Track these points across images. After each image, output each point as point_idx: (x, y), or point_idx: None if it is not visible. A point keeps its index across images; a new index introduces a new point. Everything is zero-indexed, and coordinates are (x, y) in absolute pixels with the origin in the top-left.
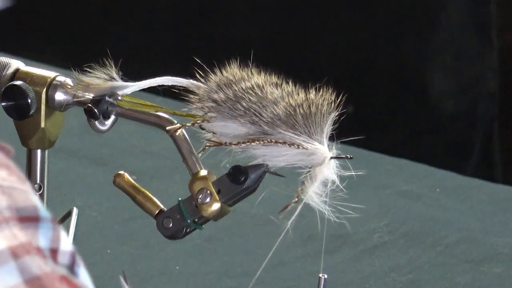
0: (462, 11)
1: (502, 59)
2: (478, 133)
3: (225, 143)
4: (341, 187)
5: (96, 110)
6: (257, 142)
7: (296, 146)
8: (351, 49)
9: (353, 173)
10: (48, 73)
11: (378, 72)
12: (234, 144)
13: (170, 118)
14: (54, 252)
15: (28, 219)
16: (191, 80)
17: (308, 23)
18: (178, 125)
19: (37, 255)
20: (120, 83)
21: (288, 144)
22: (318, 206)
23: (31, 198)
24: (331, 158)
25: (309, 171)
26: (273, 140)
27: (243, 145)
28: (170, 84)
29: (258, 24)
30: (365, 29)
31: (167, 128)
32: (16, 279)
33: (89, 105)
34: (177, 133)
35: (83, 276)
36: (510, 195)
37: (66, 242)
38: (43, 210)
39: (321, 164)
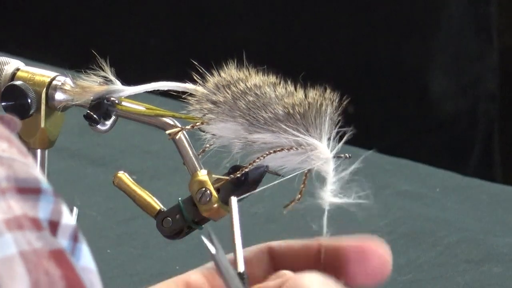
0: (462, 11)
1: (502, 59)
2: (478, 133)
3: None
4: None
5: (95, 116)
6: (260, 158)
7: (296, 148)
8: (351, 49)
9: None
10: (48, 73)
11: (378, 72)
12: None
13: (170, 119)
14: (54, 225)
15: (28, 190)
16: (186, 85)
17: (308, 23)
18: (178, 128)
19: (31, 229)
20: (116, 86)
21: (287, 149)
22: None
23: (32, 171)
24: (333, 157)
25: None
26: (271, 151)
27: (247, 168)
28: (166, 89)
29: (256, 24)
30: (365, 29)
31: (167, 132)
32: (13, 250)
33: (88, 111)
34: (177, 136)
35: (85, 252)
36: (510, 195)
37: (68, 217)
38: (45, 183)
39: (322, 164)
